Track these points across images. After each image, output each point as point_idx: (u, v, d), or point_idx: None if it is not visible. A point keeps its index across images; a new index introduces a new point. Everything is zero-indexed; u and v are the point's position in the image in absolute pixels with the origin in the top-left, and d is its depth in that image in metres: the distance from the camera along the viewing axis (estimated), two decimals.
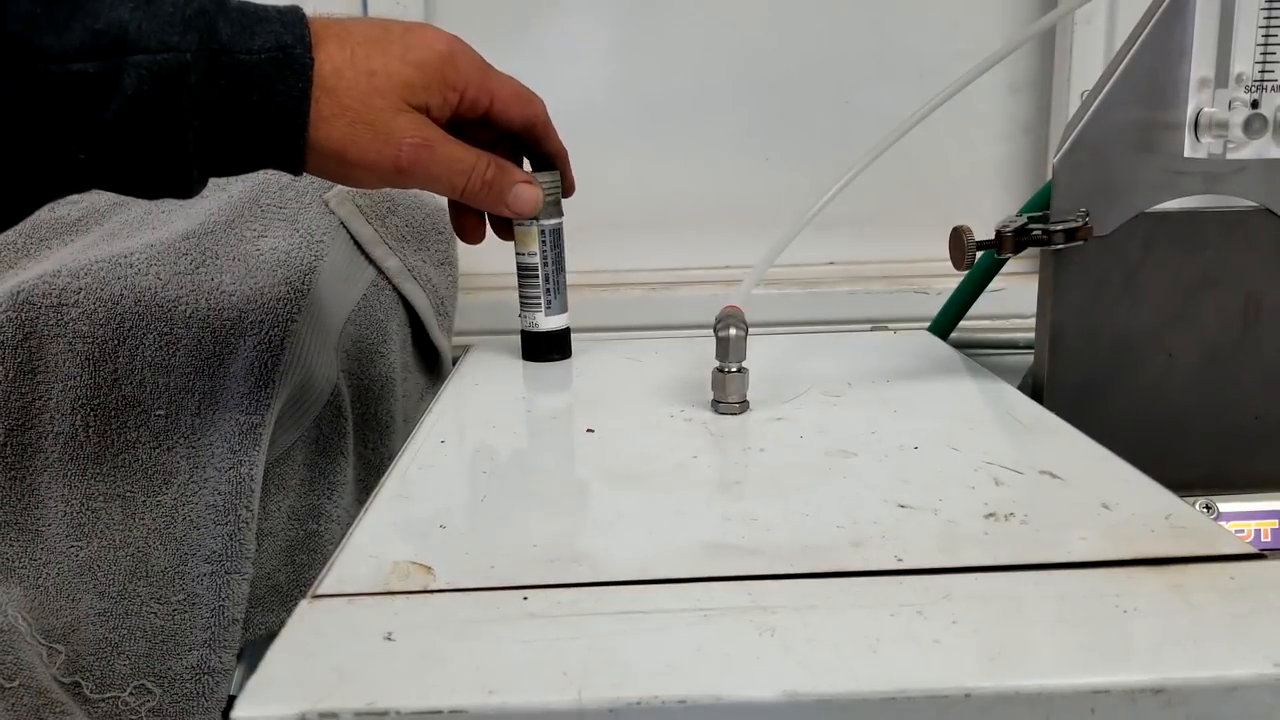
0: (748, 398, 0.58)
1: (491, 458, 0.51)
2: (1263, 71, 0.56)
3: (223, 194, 0.74)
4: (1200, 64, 0.57)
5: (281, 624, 0.34)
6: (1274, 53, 0.56)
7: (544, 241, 0.70)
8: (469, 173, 0.58)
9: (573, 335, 0.74)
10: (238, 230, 0.71)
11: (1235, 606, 0.34)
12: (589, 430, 0.55)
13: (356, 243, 0.75)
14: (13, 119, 0.44)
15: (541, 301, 0.71)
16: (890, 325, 0.85)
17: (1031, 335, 0.89)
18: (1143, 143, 0.58)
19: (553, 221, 0.70)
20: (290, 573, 0.64)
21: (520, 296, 0.71)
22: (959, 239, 0.59)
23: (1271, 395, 0.62)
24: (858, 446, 0.51)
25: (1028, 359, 0.85)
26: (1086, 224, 0.58)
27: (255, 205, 0.73)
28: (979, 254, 0.59)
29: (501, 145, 0.63)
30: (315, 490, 0.66)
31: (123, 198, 0.78)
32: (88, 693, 0.56)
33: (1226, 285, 0.61)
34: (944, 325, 0.77)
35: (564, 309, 0.72)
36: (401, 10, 0.91)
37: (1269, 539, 0.61)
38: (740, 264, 0.99)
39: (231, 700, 0.58)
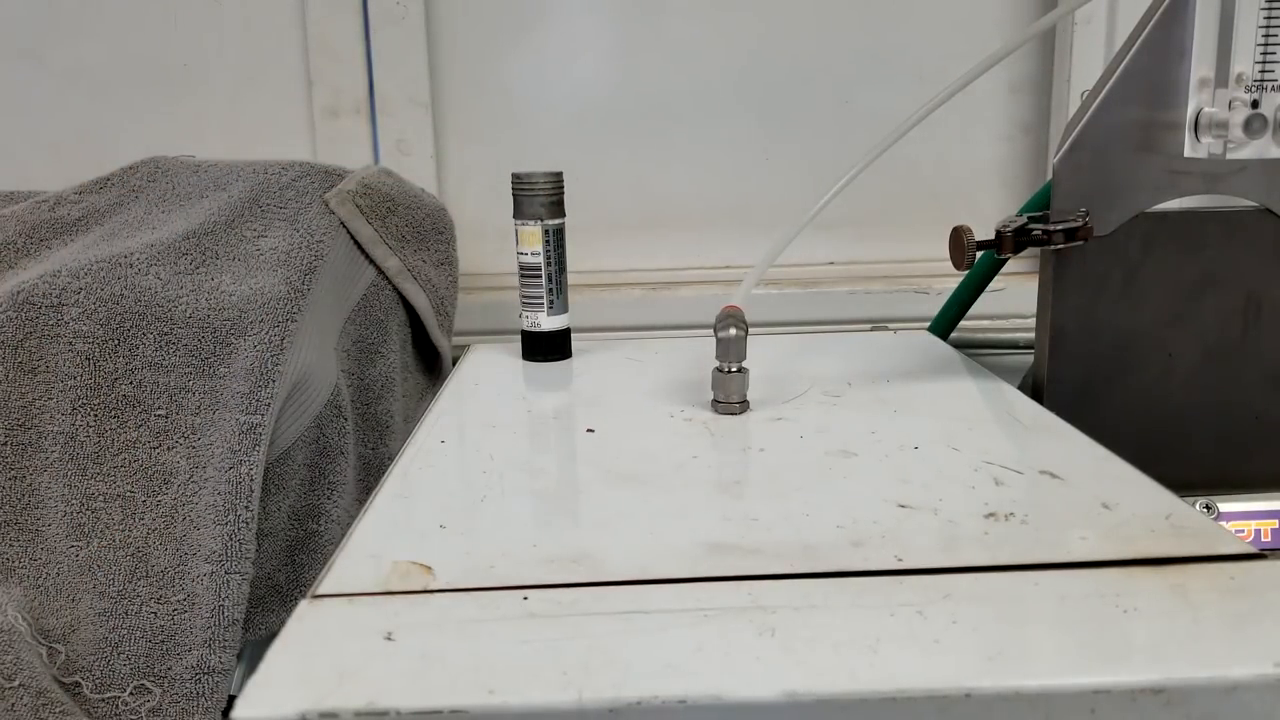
0: (748, 398, 0.58)
1: (491, 458, 0.51)
2: (1263, 71, 0.56)
3: (223, 194, 0.74)
4: (1200, 64, 0.57)
5: (281, 624, 0.34)
6: (1274, 53, 0.56)
7: (547, 241, 0.70)
8: None
9: (573, 335, 0.74)
10: (238, 230, 0.71)
11: (1235, 606, 0.34)
12: (589, 430, 0.55)
13: (356, 243, 0.75)
14: None
15: (544, 301, 0.71)
16: (890, 325, 0.85)
17: (1031, 335, 0.89)
18: (1143, 143, 0.58)
19: (555, 221, 0.70)
20: (290, 573, 0.64)
21: (521, 296, 0.72)
22: (959, 239, 0.59)
23: (1271, 395, 0.62)
24: (858, 446, 0.51)
25: (1028, 359, 0.85)
26: (1086, 224, 0.58)
27: (255, 205, 0.73)
28: (979, 254, 0.59)
29: None
30: (315, 490, 0.66)
31: (122, 197, 0.78)
32: (88, 693, 0.56)
33: (1226, 285, 0.61)
34: (944, 325, 0.77)
35: (565, 309, 0.72)
36: (402, 11, 0.91)
37: (1269, 539, 0.61)
38: (740, 264, 0.99)
39: (231, 700, 0.58)
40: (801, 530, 0.41)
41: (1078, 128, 0.58)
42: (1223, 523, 0.60)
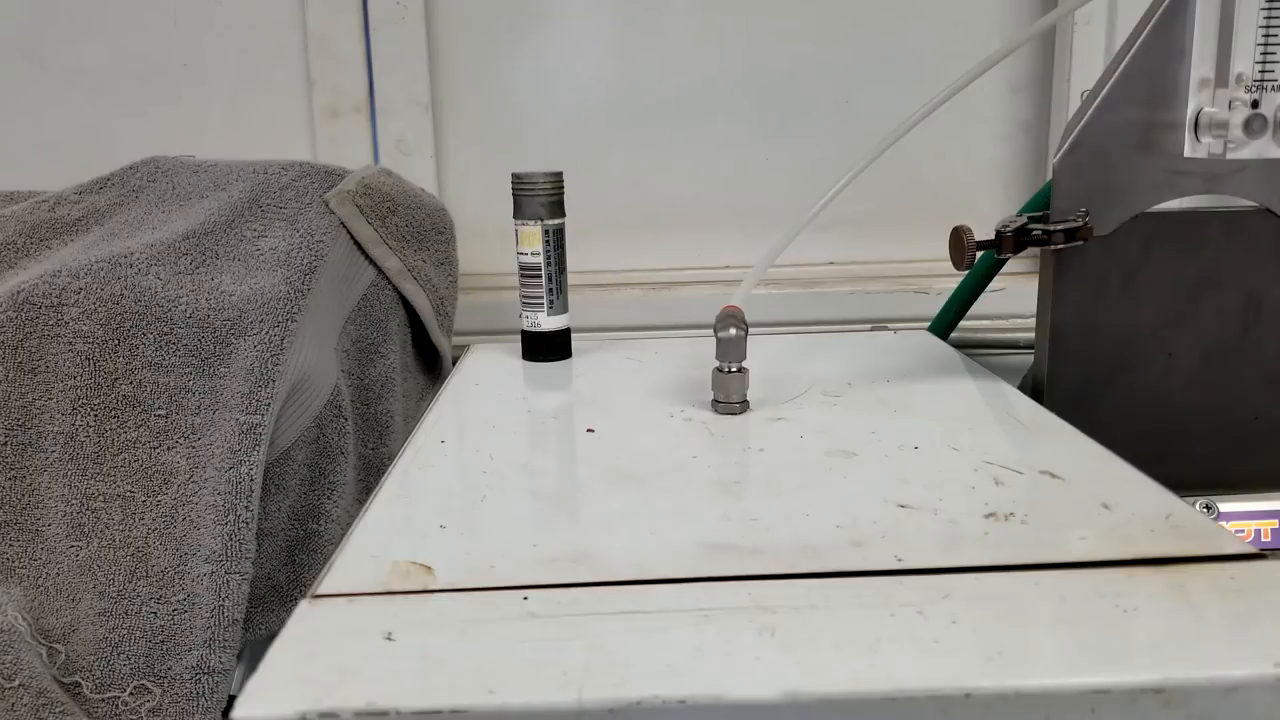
0: (748, 398, 0.58)
1: (491, 458, 0.51)
2: (1263, 71, 0.56)
3: (223, 194, 0.74)
4: (1200, 64, 0.57)
5: (281, 624, 0.34)
6: (1274, 53, 0.56)
7: (547, 241, 0.70)
8: None
9: (573, 335, 0.74)
10: (238, 230, 0.71)
11: (1235, 606, 0.34)
12: (589, 430, 0.55)
13: (356, 243, 0.75)
14: None
15: (544, 301, 0.71)
16: (890, 325, 0.85)
17: (1031, 335, 0.89)
18: (1143, 143, 0.58)
19: (556, 221, 0.70)
20: (290, 573, 0.64)
21: (521, 296, 0.72)
22: (959, 239, 0.59)
23: (1271, 395, 0.62)
24: (858, 446, 0.51)
25: (1028, 359, 0.85)
26: (1086, 224, 0.58)
27: (255, 205, 0.73)
28: (979, 254, 0.59)
29: None
30: (315, 490, 0.66)
31: (122, 197, 0.78)
32: (88, 693, 0.56)
33: (1226, 285, 0.61)
34: (944, 325, 0.77)
35: (565, 309, 0.72)
36: (402, 11, 0.91)
37: (1269, 539, 0.61)
38: (740, 264, 0.99)
39: (231, 700, 0.58)
40: (801, 530, 0.41)
41: (1078, 128, 0.58)
42: (1223, 523, 0.60)
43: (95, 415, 0.62)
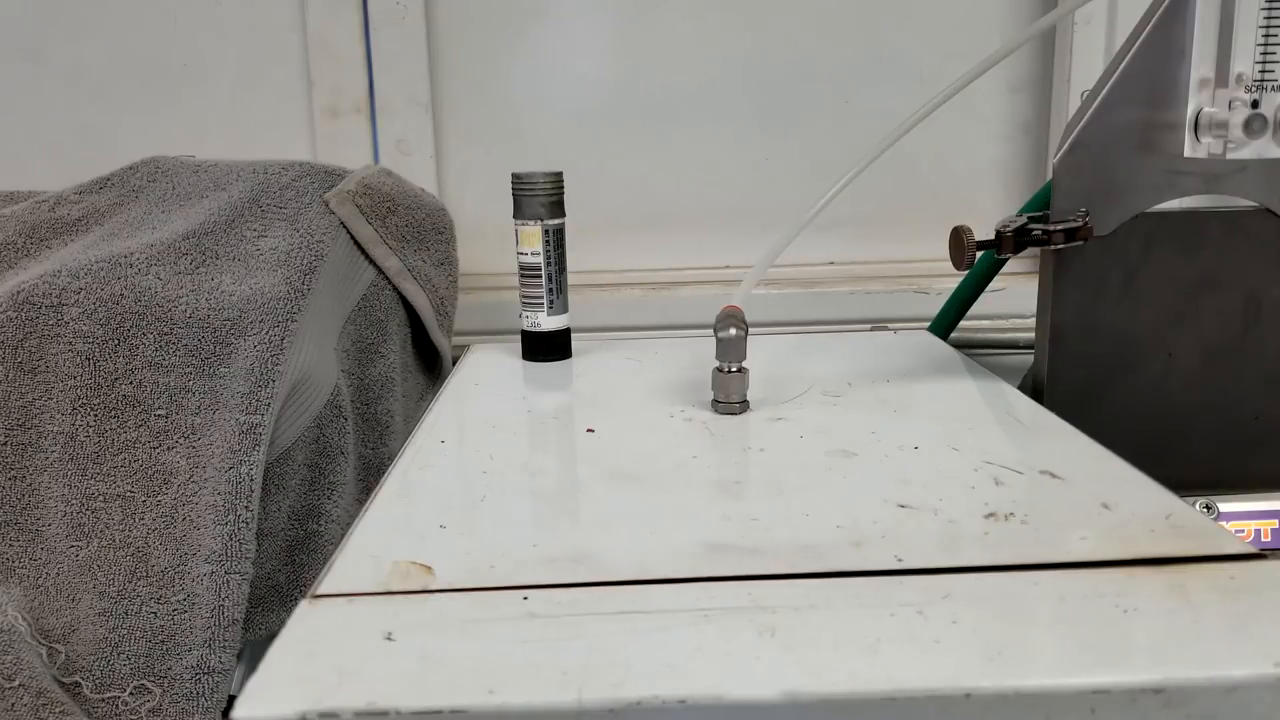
0: (748, 398, 0.58)
1: (491, 458, 0.51)
2: (1263, 71, 0.56)
3: (223, 194, 0.74)
4: (1200, 64, 0.57)
5: (281, 624, 0.34)
6: (1274, 53, 0.56)
7: (547, 241, 0.70)
8: None
9: (573, 335, 0.74)
10: (238, 230, 0.71)
11: (1235, 606, 0.34)
12: (589, 430, 0.55)
13: (356, 243, 0.75)
14: None
15: (544, 301, 0.71)
16: (890, 325, 0.85)
17: (1031, 335, 0.89)
18: (1143, 143, 0.58)
19: (556, 221, 0.70)
20: (290, 573, 0.64)
21: (521, 296, 0.72)
22: (959, 239, 0.59)
23: (1271, 395, 0.62)
24: (858, 446, 0.51)
25: (1028, 359, 0.85)
26: (1086, 224, 0.58)
27: (255, 205, 0.73)
28: (979, 254, 0.59)
29: None
30: (315, 490, 0.66)
31: (122, 197, 0.78)
32: (88, 693, 0.56)
33: (1226, 285, 0.61)
34: (944, 325, 0.77)
35: (565, 309, 0.72)
36: (402, 11, 0.91)
37: (1269, 539, 0.61)
38: (740, 264, 0.99)
39: (231, 700, 0.58)
40: (801, 530, 0.41)
41: (1078, 128, 0.58)
42: (1223, 523, 0.60)
43: (95, 415, 0.62)
